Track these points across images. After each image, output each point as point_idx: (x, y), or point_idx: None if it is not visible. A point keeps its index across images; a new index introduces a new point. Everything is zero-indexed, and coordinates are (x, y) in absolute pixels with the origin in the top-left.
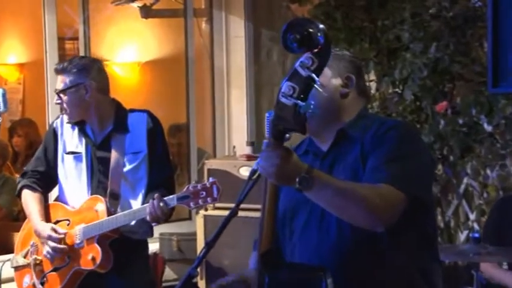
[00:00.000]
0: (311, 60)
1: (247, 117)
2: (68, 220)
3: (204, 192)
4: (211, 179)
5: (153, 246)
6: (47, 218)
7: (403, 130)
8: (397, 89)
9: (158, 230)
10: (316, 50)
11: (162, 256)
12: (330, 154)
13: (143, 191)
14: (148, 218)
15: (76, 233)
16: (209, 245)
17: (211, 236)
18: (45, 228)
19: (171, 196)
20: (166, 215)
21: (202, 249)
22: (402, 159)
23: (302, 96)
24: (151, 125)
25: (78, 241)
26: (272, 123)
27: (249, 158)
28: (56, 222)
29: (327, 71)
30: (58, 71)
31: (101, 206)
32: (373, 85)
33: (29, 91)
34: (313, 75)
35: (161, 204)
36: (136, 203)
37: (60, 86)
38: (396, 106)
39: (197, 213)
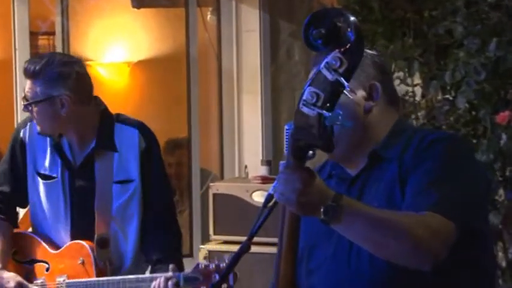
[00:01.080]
0: (339, 61)
1: (262, 129)
2: (46, 263)
3: (218, 276)
4: (227, 259)
5: None
6: (23, 253)
7: (451, 143)
8: (448, 96)
9: None
10: (345, 48)
11: None
12: (359, 179)
13: (134, 235)
14: None
15: (58, 287)
16: (215, 287)
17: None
18: (10, 281)
19: (177, 274)
20: None
21: None
22: (450, 180)
23: (328, 105)
24: (144, 144)
25: None
26: (291, 138)
27: (265, 180)
28: (32, 262)
29: None
30: (27, 75)
31: (88, 258)
32: (418, 90)
33: None
34: (342, 80)
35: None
36: (127, 250)
37: (28, 92)
38: (447, 116)
39: (199, 248)
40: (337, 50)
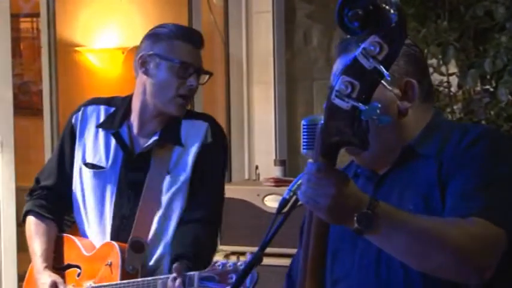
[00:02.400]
0: (379, 47)
1: (275, 125)
2: (78, 268)
3: (235, 277)
4: (249, 257)
5: None
6: (59, 258)
7: (496, 140)
8: (488, 86)
9: None
10: (386, 32)
11: None
12: (388, 177)
13: (172, 235)
14: None
15: None
16: None
17: None
18: (46, 282)
19: (192, 273)
20: None
21: None
22: (498, 182)
23: (364, 96)
24: (210, 139)
25: None
26: (322, 134)
27: (278, 183)
28: (67, 267)
29: None
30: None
31: (115, 259)
32: (453, 80)
33: None
34: (381, 68)
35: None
36: (165, 251)
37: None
38: (487, 110)
39: None
40: (376, 35)
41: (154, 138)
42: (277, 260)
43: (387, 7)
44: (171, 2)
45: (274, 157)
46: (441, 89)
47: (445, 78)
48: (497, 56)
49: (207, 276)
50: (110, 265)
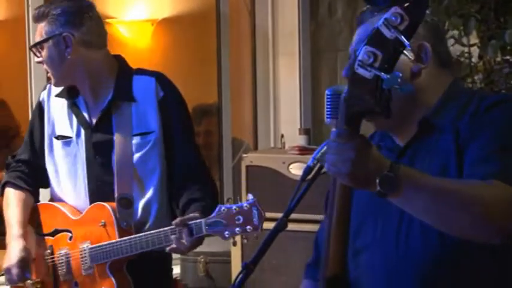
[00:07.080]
0: (400, 18)
1: (300, 95)
2: (69, 232)
3: (241, 218)
4: (250, 198)
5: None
6: (45, 225)
7: (511, 105)
8: (508, 57)
9: None
10: (407, 4)
11: (184, 284)
12: (409, 149)
13: (156, 189)
14: (167, 249)
15: (82, 254)
16: (248, 268)
17: (252, 257)
18: (14, 254)
19: (198, 221)
20: (194, 246)
21: (239, 275)
22: None
23: (386, 66)
24: (161, 93)
25: (85, 266)
26: (345, 103)
27: (303, 151)
28: (56, 233)
29: None
30: (34, 19)
31: (109, 219)
32: (474, 51)
33: (4, 58)
34: (403, 38)
35: (184, 237)
36: (150, 205)
37: (37, 38)
38: (507, 80)
39: None
40: (397, 6)
41: (108, 99)
42: (301, 225)
43: None
44: None
45: (299, 126)
46: (462, 59)
47: (466, 49)
48: None
49: (214, 222)
50: (104, 225)
